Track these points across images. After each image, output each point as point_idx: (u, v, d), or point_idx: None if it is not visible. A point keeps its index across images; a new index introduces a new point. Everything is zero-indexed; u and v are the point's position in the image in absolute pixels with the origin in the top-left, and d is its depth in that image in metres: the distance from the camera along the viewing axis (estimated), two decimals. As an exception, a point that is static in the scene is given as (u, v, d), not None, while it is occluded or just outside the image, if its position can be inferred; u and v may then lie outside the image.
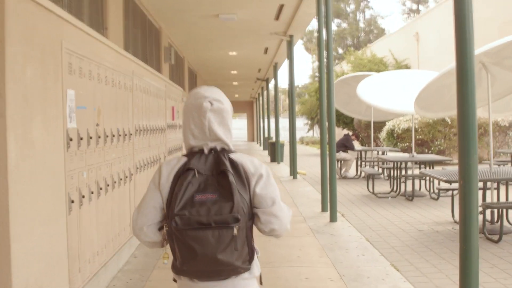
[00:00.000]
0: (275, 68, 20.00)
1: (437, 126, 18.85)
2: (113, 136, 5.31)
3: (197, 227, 1.90)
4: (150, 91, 7.80)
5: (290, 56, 14.44)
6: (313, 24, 66.33)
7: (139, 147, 6.84)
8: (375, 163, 14.53)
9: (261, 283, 2.18)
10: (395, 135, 19.56)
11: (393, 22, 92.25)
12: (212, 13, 10.87)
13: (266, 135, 29.14)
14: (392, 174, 11.25)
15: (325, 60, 8.73)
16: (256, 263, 2.11)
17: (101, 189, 4.79)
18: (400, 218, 8.46)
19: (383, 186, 12.22)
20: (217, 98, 2.13)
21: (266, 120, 29.50)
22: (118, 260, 5.40)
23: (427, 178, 10.83)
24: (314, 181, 13.79)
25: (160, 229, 2.09)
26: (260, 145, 34.53)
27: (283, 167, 18.12)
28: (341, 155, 14.19)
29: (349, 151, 14.60)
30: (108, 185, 5.06)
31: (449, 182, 6.76)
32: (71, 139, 4.01)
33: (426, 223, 8.01)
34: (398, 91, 11.10)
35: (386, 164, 12.77)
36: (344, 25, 59.73)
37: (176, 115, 10.82)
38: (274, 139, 22.58)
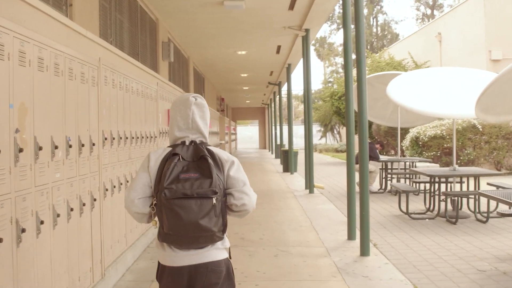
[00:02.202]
0: (288, 70, 18.23)
1: (467, 134, 17.03)
2: (56, 147, 3.62)
3: (183, 197, 2.32)
4: (133, 88, 6.13)
5: (306, 55, 12.68)
6: (325, 29, 64.64)
7: (111, 160, 5.16)
8: (405, 176, 12.73)
9: (230, 256, 2.59)
10: (420, 143, 17.77)
11: (407, 27, 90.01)
12: (216, 0, 9.19)
13: (278, 142, 27.49)
14: (430, 189, 9.43)
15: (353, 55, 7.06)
16: (226, 239, 2.54)
17: (23, 231, 3.09)
18: (448, 250, 6.68)
19: (414, 203, 10.40)
20: (199, 96, 2.65)
21: (278, 127, 27.84)
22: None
23: (472, 195, 9.04)
24: (334, 196, 12.01)
25: (150, 206, 2.50)
26: (272, 153, 32.77)
27: (297, 179, 16.22)
28: (364, 166, 12.32)
29: (373, 162, 12.78)
30: (42, 223, 3.36)
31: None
32: None
33: (484, 258, 6.22)
34: (437, 91, 9.30)
35: (419, 178, 11.00)
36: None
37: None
38: (286, 147, 20.83)
